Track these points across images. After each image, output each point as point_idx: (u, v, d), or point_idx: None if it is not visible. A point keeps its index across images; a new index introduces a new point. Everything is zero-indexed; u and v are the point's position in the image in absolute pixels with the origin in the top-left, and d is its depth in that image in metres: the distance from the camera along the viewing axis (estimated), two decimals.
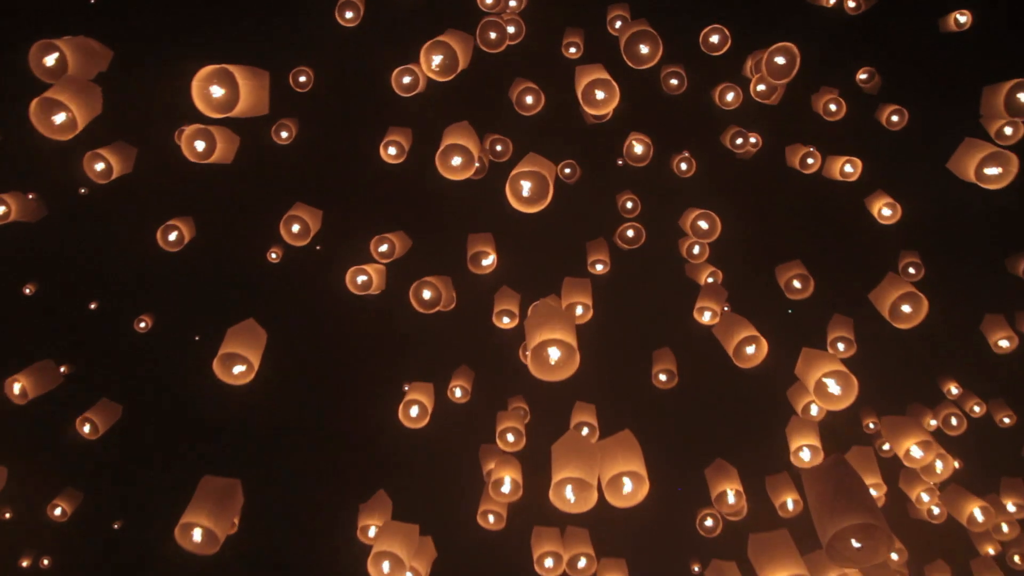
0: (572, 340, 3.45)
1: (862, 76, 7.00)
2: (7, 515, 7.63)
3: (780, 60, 5.31)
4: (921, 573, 6.47)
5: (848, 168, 6.65)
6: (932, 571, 6.51)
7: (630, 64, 4.97)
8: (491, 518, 6.02)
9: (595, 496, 3.64)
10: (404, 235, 6.40)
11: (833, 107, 6.66)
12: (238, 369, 4.40)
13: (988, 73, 5.95)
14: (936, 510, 6.38)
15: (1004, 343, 6.55)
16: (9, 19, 6.75)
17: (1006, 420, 7.11)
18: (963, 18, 6.73)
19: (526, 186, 4.03)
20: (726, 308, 6.13)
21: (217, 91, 3.49)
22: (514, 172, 4.06)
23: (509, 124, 6.25)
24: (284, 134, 6.55)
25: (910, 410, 7.06)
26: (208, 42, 7.01)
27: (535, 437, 6.10)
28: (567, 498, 3.62)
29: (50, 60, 3.78)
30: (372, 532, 5.70)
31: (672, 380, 6.54)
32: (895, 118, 6.79)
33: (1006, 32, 7.17)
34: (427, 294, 6.06)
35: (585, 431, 5.88)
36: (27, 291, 7.43)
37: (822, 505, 3.23)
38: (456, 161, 4.55)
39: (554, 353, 3.46)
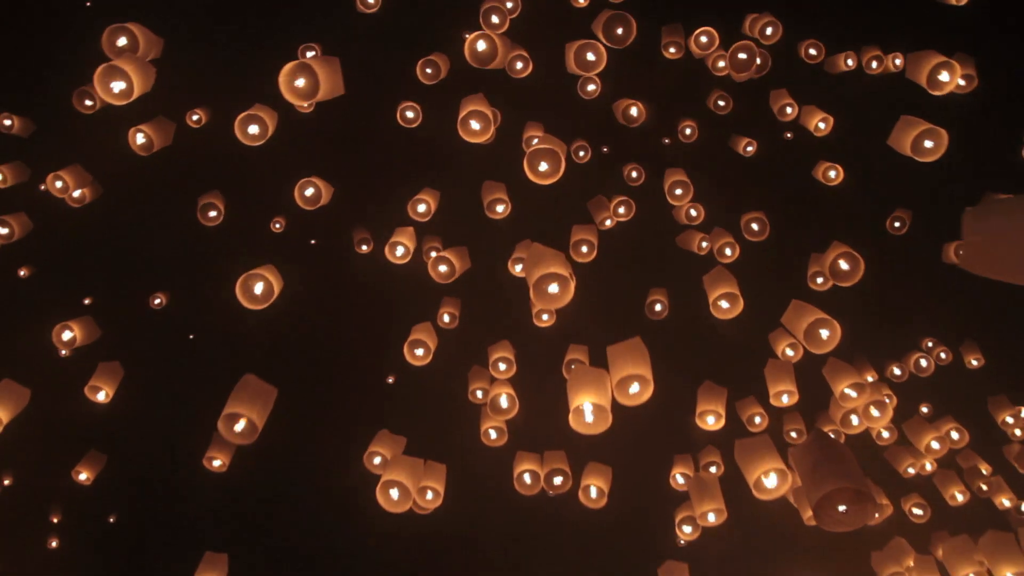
0: (567, 273, 4.02)
1: (897, 62, 7.07)
2: (6, 482, 7.62)
3: (742, 55, 5.97)
4: (898, 504, 7.07)
5: (821, 124, 6.97)
6: (907, 501, 7.12)
7: (608, 44, 5.49)
8: (493, 434, 6.51)
9: (610, 418, 4.01)
10: (432, 190, 6.78)
11: (813, 51, 6.93)
12: (259, 288, 4.80)
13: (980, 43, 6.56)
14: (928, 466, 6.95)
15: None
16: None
17: (974, 363, 7.63)
18: None
19: (543, 164, 4.68)
20: None
21: (300, 82, 4.01)
22: (532, 150, 4.68)
23: (506, 93, 6.63)
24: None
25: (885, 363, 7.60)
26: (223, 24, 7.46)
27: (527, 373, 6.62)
28: (586, 420, 4.00)
29: (121, 41, 4.31)
30: (378, 460, 6.07)
31: (664, 311, 7.01)
32: (875, 64, 7.05)
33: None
34: (443, 268, 6.55)
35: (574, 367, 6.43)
36: (22, 273, 7.61)
37: (807, 475, 3.57)
38: (476, 126, 5.13)
39: (552, 287, 4.04)
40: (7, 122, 6.92)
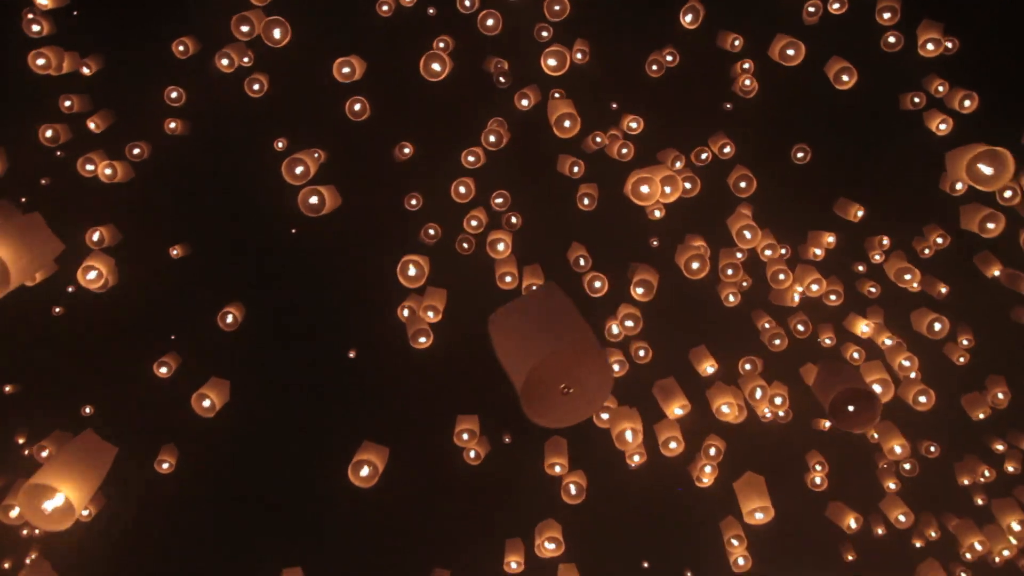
0: (574, 112, 6.15)
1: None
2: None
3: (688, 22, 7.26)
4: None
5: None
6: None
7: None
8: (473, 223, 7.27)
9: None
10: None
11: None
12: (300, 172, 5.78)
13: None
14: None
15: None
16: None
17: (939, 240, 7.84)
18: None
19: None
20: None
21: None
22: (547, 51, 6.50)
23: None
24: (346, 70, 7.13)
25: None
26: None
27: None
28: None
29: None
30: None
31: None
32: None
33: None
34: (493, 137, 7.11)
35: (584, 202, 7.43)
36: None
37: (818, 388, 4.31)
38: (489, 22, 6.84)
39: (563, 120, 6.19)
40: (85, 69, 7.35)
